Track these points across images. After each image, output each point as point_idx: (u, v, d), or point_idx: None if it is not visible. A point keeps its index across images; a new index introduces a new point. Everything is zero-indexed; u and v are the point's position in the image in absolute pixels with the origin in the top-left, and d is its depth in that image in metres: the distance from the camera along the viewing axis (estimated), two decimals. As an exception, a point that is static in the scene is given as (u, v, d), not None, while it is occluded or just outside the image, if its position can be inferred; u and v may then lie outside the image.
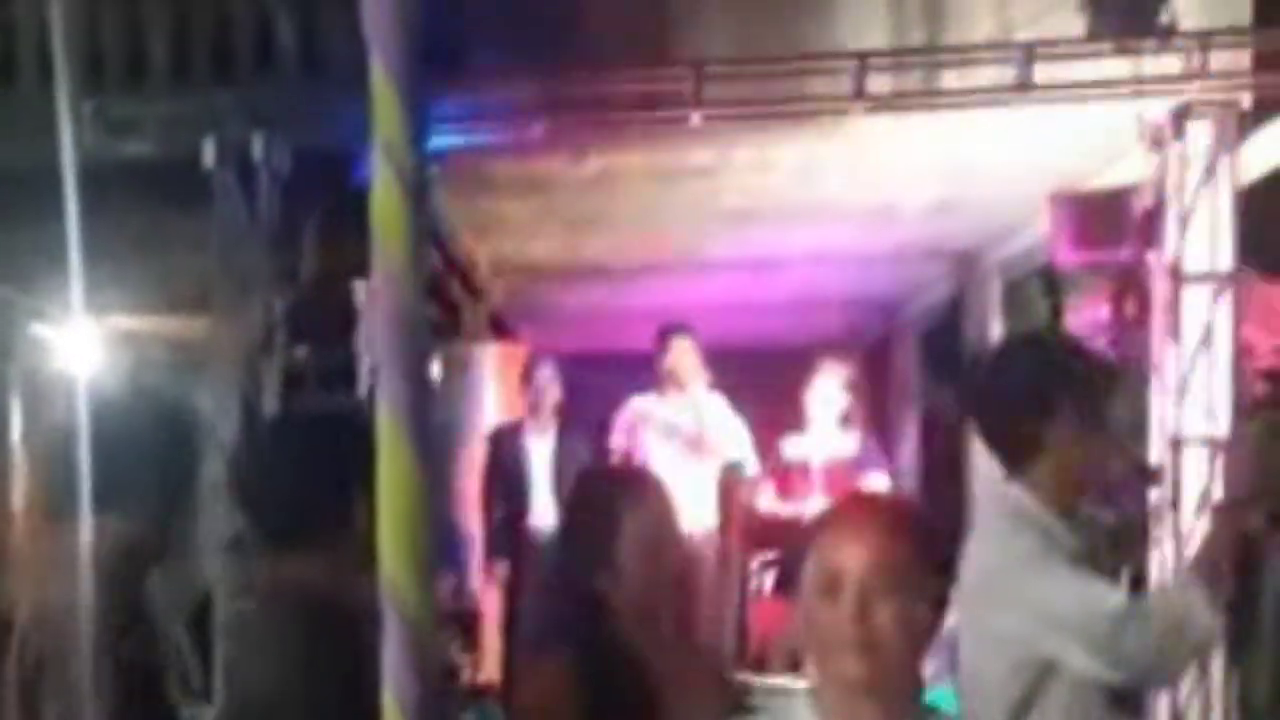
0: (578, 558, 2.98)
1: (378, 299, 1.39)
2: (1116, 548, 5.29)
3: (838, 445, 7.35)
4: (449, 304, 7.76)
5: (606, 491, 3.13)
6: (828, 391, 7.45)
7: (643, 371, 7.57)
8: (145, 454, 2.64)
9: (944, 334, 10.08)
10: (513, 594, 7.23)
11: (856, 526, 2.00)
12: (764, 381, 9.10)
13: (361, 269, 5.38)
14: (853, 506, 2.17)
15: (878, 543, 1.95)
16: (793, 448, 7.44)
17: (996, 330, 9.01)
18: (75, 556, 2.55)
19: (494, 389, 8.39)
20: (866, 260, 9.09)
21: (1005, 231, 8.24)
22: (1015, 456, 2.85)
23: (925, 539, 2.03)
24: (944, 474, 9.73)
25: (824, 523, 2.07)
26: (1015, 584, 2.76)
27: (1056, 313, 11.28)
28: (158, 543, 2.69)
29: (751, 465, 7.49)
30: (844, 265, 9.19)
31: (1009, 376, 2.94)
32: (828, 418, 7.39)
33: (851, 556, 1.94)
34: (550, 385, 7.62)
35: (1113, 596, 2.75)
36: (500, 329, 9.46)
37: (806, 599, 1.98)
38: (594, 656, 2.82)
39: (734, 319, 9.62)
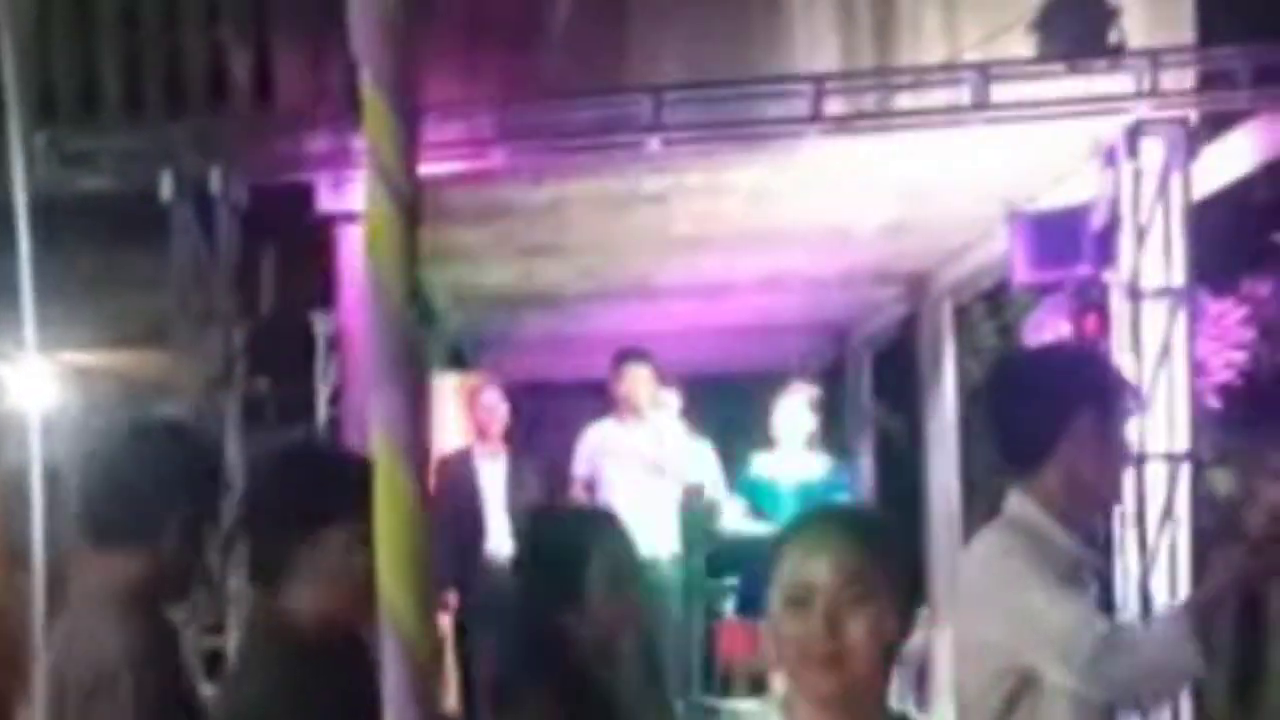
0: (541, 596, 2.96)
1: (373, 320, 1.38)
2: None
3: (806, 465, 7.38)
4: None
5: (570, 529, 3.11)
6: (796, 412, 7.48)
7: (599, 398, 7.57)
8: (168, 484, 2.63)
9: (897, 356, 10.16)
10: (463, 622, 7.16)
11: (825, 539, 1.98)
12: (717, 407, 9.15)
13: (320, 301, 5.36)
14: (821, 520, 2.11)
15: (847, 555, 1.95)
16: (760, 467, 7.45)
17: (949, 351, 9.08)
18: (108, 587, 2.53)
19: (450, 419, 8.35)
20: (819, 284, 9.12)
21: (956, 253, 8.31)
22: (1025, 460, 2.80)
23: (893, 551, 2.02)
24: (899, 495, 9.80)
25: (791, 537, 2.04)
26: (1005, 591, 2.74)
27: (1003, 333, 11.43)
28: (182, 574, 2.68)
29: (717, 487, 7.50)
30: (797, 289, 9.22)
31: (1028, 380, 2.92)
32: (795, 438, 7.41)
33: (821, 569, 1.93)
34: (497, 407, 7.59)
35: (1099, 620, 2.72)
36: (456, 358, 9.43)
37: (774, 613, 1.97)
38: (566, 693, 2.80)
39: (687, 345, 9.63)
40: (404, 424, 1.34)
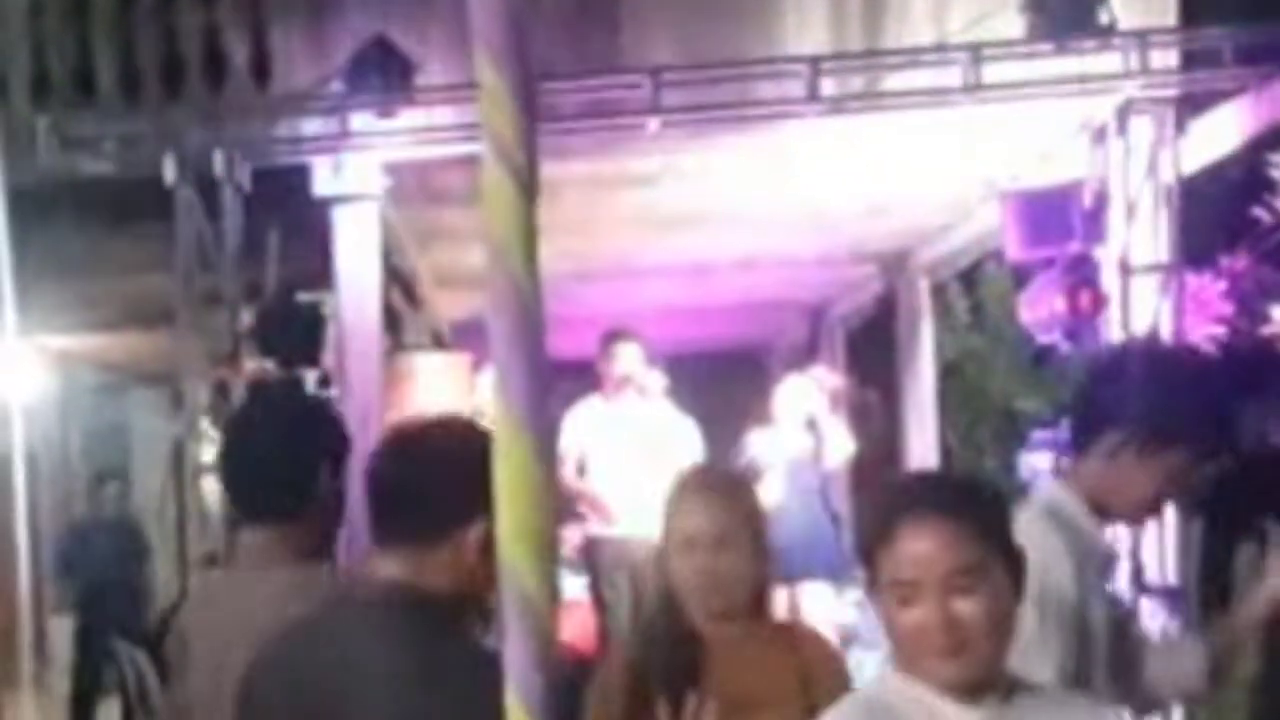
0: None
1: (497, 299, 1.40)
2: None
3: (801, 444, 7.43)
4: (392, 314, 7.74)
5: None
6: (798, 392, 7.54)
7: (580, 378, 7.58)
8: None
9: (871, 335, 10.26)
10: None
11: (928, 525, 1.91)
12: (698, 384, 9.20)
13: (325, 281, 5.36)
14: (919, 501, 1.96)
15: (953, 542, 1.88)
16: (759, 443, 7.49)
17: (927, 329, 9.19)
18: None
19: (437, 399, 8.36)
20: (799, 263, 9.21)
21: (936, 233, 8.41)
22: (1081, 447, 2.69)
23: (997, 522, 1.98)
24: (873, 474, 9.89)
25: (893, 523, 1.93)
26: (1045, 580, 2.54)
27: (977, 311, 11.56)
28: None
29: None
30: (777, 268, 9.30)
31: (1118, 373, 2.77)
32: (794, 418, 7.46)
33: (927, 562, 1.88)
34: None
35: (1134, 623, 2.73)
36: (438, 339, 9.44)
37: (885, 606, 1.93)
38: None
39: (666, 324, 9.69)
40: (526, 398, 1.35)
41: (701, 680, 2.68)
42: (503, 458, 1.35)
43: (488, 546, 1.99)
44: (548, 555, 1.34)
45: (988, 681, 1.92)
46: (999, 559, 1.90)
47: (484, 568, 2.02)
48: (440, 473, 2.14)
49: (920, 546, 1.87)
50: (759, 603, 2.91)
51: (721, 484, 3.11)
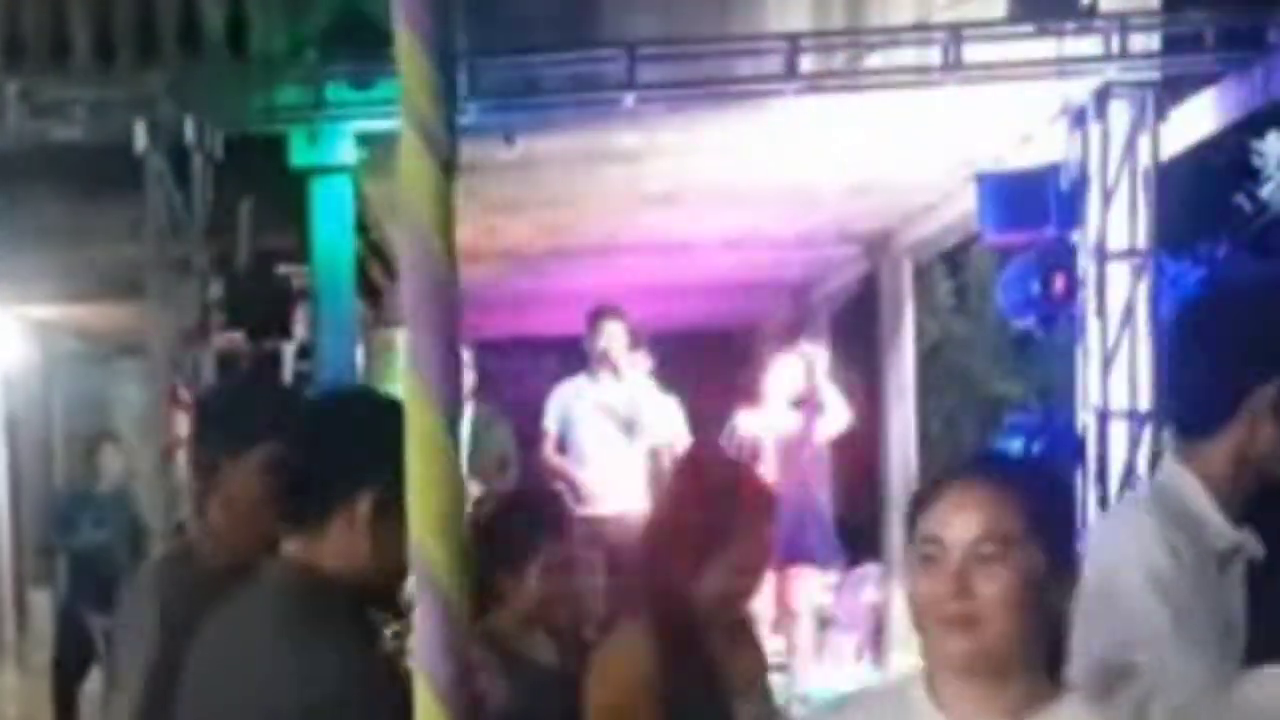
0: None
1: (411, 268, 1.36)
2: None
3: (790, 423, 7.41)
4: (372, 289, 7.71)
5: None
6: (788, 371, 7.52)
7: (564, 355, 7.57)
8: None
9: (855, 316, 10.24)
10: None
11: (965, 491, 1.83)
12: (680, 364, 9.18)
13: (295, 254, 5.33)
14: (966, 469, 1.90)
15: (986, 508, 1.79)
16: (750, 422, 7.48)
17: (909, 310, 9.18)
18: None
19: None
20: (782, 243, 9.18)
21: (919, 213, 8.39)
22: (1196, 423, 2.37)
23: (1045, 504, 1.85)
24: (857, 453, 9.89)
25: (931, 488, 1.87)
26: (1114, 580, 2.30)
27: (961, 293, 11.56)
28: None
29: (682, 444, 7.55)
30: (760, 247, 9.27)
31: (1220, 327, 2.40)
32: (784, 396, 7.44)
33: (954, 523, 1.81)
34: (464, 370, 7.58)
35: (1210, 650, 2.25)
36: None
37: (910, 570, 1.87)
38: None
39: (650, 302, 9.67)
40: (439, 373, 1.32)
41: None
42: (413, 438, 1.32)
43: (382, 520, 1.95)
44: (458, 537, 1.31)
45: (1001, 670, 1.77)
46: (1038, 541, 1.77)
47: (380, 544, 1.96)
48: (319, 447, 2.08)
49: (954, 507, 1.80)
50: None
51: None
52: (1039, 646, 1.79)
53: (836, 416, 7.61)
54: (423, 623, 1.28)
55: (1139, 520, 2.34)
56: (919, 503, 1.85)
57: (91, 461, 8.22)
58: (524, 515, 3.17)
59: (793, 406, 7.47)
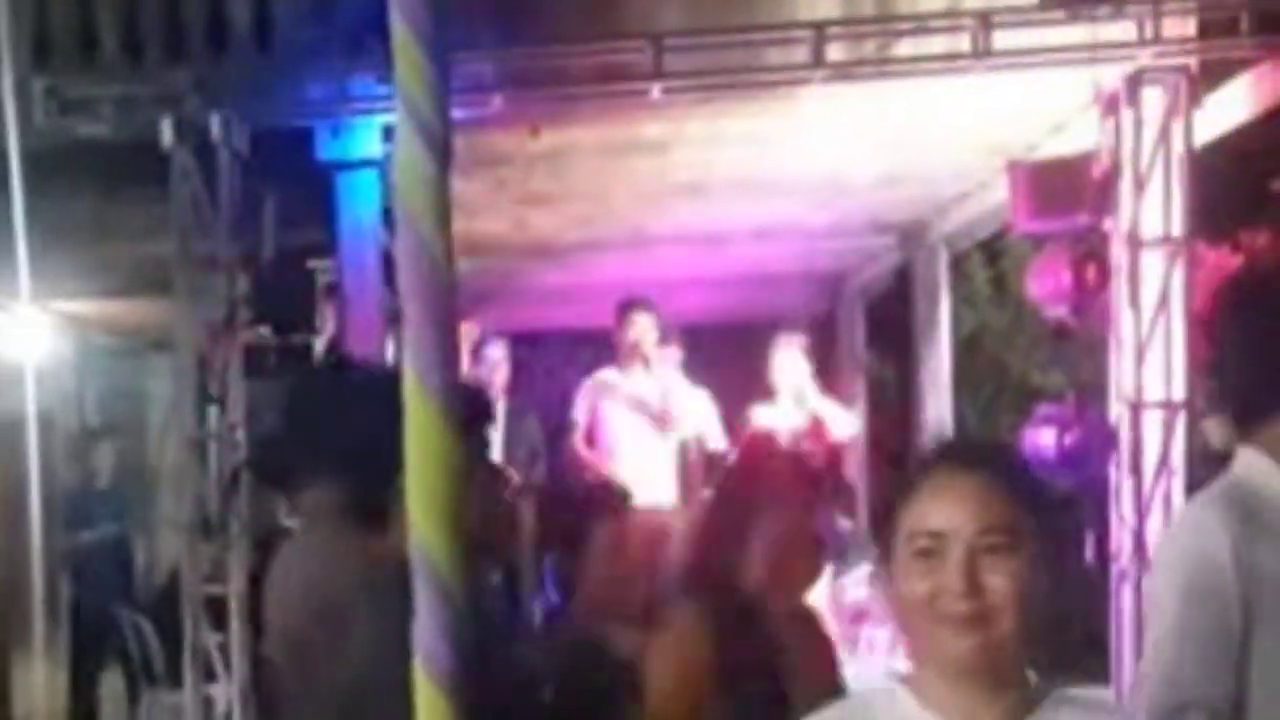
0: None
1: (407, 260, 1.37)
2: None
3: (797, 420, 7.34)
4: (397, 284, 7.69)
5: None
6: (790, 363, 7.45)
7: (593, 348, 7.55)
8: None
9: (890, 305, 10.17)
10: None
11: (961, 479, 1.74)
12: (713, 357, 9.15)
13: (323, 248, 5.34)
14: (954, 457, 1.80)
15: (988, 497, 1.71)
16: (763, 417, 7.42)
17: (944, 301, 9.10)
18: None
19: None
20: (814, 233, 9.12)
21: (953, 202, 8.32)
22: (1258, 403, 2.31)
23: (1039, 494, 1.79)
24: (891, 444, 9.84)
25: (919, 477, 1.77)
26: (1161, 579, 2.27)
27: (999, 283, 11.46)
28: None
29: (716, 438, 7.51)
30: (791, 238, 9.21)
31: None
32: (792, 388, 7.38)
33: (956, 513, 1.70)
34: (500, 365, 7.59)
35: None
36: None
37: (898, 566, 1.74)
38: None
39: (682, 295, 9.63)
40: (436, 364, 1.32)
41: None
42: (411, 426, 1.33)
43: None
44: (456, 523, 1.32)
45: (1002, 671, 1.68)
46: (1032, 530, 1.68)
47: None
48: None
49: (952, 497, 1.68)
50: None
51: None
52: (1040, 645, 1.70)
53: (840, 422, 7.53)
54: (422, 608, 1.29)
55: (1194, 517, 2.28)
56: (903, 496, 1.72)
57: (89, 458, 8.27)
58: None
59: (804, 397, 7.39)
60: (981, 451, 1.84)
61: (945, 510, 1.67)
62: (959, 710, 1.69)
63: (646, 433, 7.01)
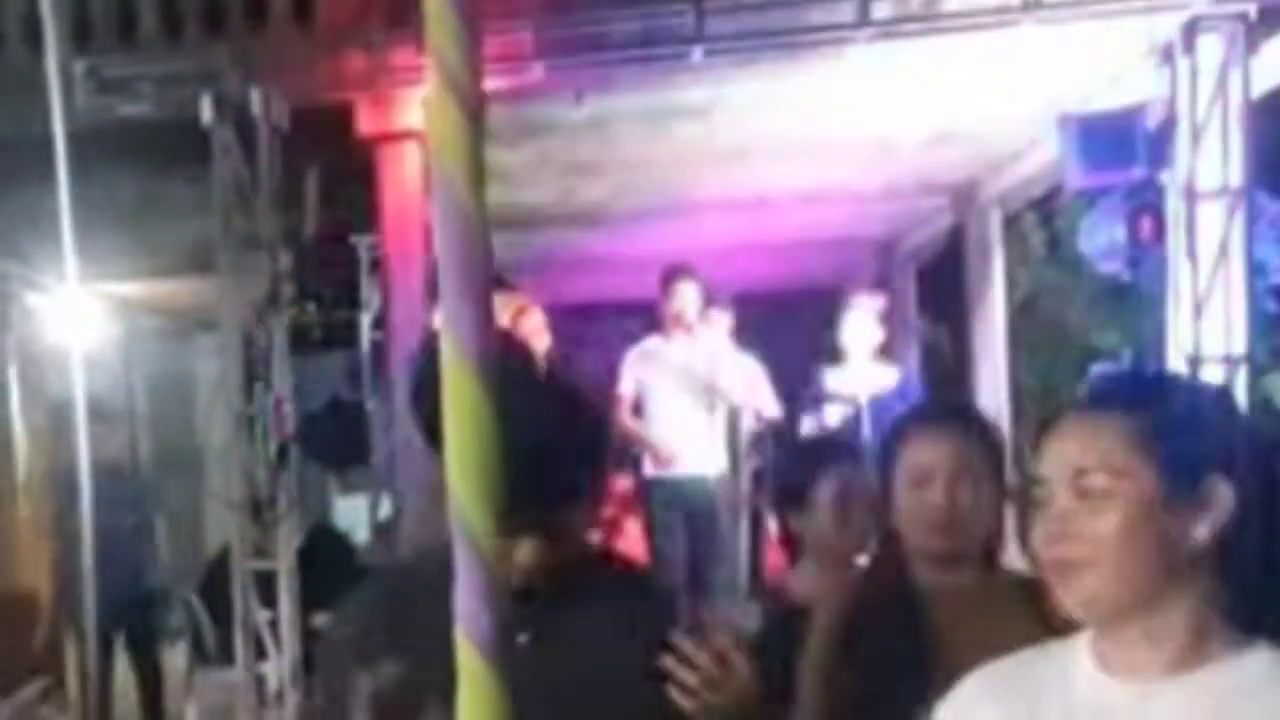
0: None
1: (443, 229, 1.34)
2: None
3: (876, 378, 7.19)
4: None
5: None
6: (862, 325, 7.30)
7: (638, 317, 7.48)
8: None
9: (943, 267, 10.04)
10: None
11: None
12: (763, 323, 9.06)
13: (366, 223, 5.30)
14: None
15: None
16: (834, 380, 7.29)
17: (998, 262, 8.97)
18: None
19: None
20: (864, 196, 9.01)
21: (1005, 161, 8.17)
22: None
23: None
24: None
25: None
26: None
27: (1054, 243, 11.29)
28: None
29: (769, 404, 7.42)
30: (840, 202, 9.11)
31: None
32: (863, 351, 7.22)
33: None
34: (538, 333, 7.52)
35: None
36: (503, 280, 9.36)
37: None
38: None
39: (731, 261, 9.54)
40: (475, 335, 1.27)
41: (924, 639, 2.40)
42: (449, 392, 1.29)
43: None
44: (494, 491, 1.28)
45: (1132, 620, 1.54)
46: (1153, 465, 1.50)
47: None
48: None
49: (1056, 439, 1.57)
50: (990, 551, 2.56)
51: (959, 412, 2.81)
52: (1184, 590, 1.51)
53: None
54: (462, 576, 1.27)
55: None
56: (1035, 443, 1.63)
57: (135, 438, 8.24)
58: None
59: (873, 360, 7.26)
60: (1109, 386, 1.72)
61: (1047, 453, 1.58)
62: (1119, 661, 1.57)
63: (693, 401, 6.93)
